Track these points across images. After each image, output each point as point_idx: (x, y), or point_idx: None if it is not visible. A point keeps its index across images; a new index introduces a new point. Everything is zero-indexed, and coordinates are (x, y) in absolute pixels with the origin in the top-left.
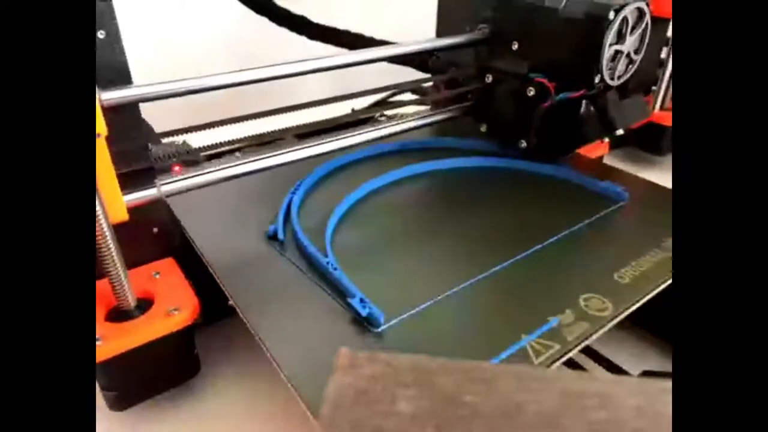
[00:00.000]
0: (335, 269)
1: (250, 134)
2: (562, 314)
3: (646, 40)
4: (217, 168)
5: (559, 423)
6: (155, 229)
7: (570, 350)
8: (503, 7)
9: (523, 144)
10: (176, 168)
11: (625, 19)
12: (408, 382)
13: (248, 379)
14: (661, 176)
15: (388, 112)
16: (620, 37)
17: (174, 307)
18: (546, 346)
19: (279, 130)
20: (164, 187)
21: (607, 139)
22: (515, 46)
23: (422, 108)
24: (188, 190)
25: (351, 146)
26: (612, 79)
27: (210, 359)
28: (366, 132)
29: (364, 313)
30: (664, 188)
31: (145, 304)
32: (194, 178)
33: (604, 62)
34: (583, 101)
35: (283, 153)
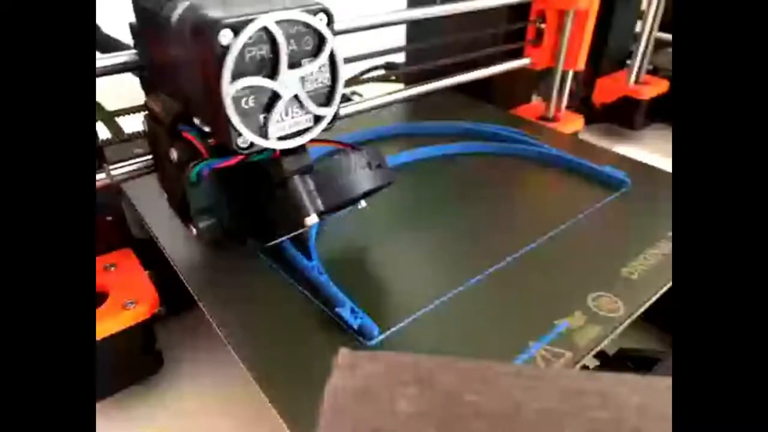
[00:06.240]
0: (321, 274)
1: None
2: (570, 317)
3: (340, 71)
4: None
5: (559, 422)
6: (109, 218)
7: (583, 357)
8: (137, 11)
9: (193, 231)
10: None
11: (263, 40)
12: (408, 381)
13: (216, 373)
14: (636, 151)
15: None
16: (271, 70)
17: (130, 300)
18: (556, 354)
19: None
20: (115, 171)
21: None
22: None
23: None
24: (143, 174)
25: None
26: (281, 138)
27: (175, 354)
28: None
29: (355, 324)
30: (665, 173)
31: (98, 299)
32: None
33: (233, 111)
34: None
35: None
